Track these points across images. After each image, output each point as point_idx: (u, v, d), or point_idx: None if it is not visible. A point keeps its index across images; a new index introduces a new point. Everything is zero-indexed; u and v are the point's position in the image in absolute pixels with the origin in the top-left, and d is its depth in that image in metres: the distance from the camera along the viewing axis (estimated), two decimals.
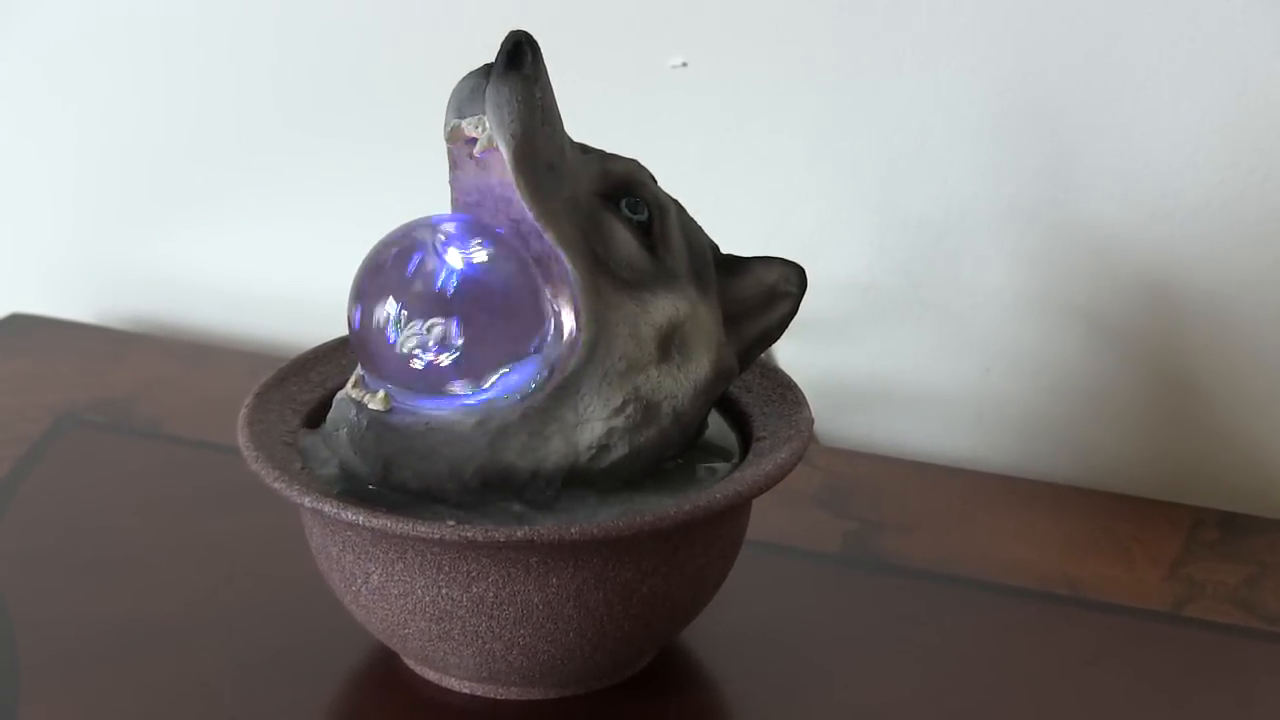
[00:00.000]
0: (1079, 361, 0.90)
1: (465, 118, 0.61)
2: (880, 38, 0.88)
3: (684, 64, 0.93)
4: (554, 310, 0.62)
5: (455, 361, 0.61)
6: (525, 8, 0.94)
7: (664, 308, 0.63)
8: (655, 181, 0.66)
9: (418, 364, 0.61)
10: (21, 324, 1.08)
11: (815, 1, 0.89)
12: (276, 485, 0.61)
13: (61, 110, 1.12)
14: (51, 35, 1.09)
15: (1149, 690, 0.69)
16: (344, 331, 0.66)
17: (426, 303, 0.61)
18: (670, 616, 0.64)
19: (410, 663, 0.67)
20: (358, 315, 0.63)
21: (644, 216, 0.64)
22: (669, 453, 0.64)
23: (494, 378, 0.61)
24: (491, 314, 0.61)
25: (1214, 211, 0.85)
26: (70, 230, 1.14)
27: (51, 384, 0.97)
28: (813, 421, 0.67)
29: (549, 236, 0.61)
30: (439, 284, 0.61)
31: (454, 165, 0.63)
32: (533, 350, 0.62)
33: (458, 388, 0.61)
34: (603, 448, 0.62)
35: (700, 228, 0.67)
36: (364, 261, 0.63)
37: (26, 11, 1.09)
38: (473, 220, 0.63)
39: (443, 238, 0.62)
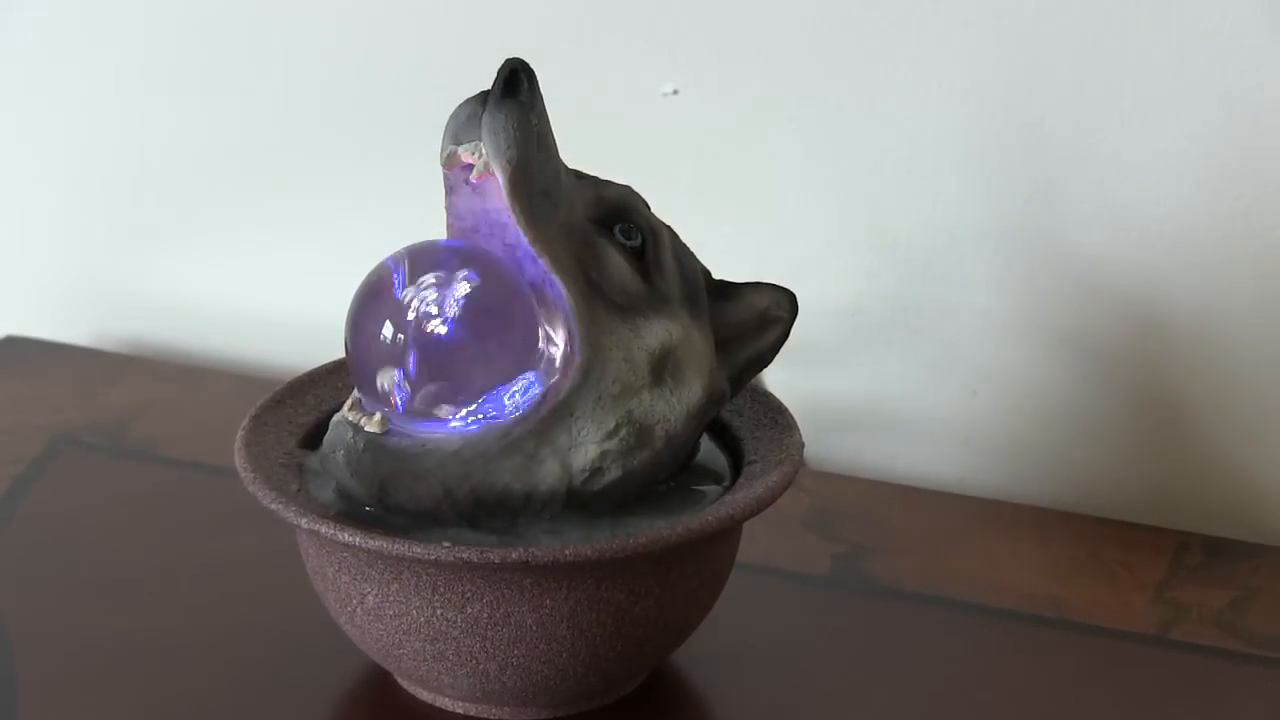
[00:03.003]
0: (1066, 386, 0.90)
1: (462, 144, 0.62)
2: (869, 65, 0.89)
3: (675, 91, 0.93)
4: (548, 334, 0.63)
5: (451, 385, 0.61)
6: (521, 35, 0.95)
7: (657, 332, 0.64)
8: (648, 207, 0.67)
9: (414, 388, 0.61)
10: (17, 346, 1.08)
11: (805, 30, 0.89)
12: (273, 506, 0.62)
13: (57, 133, 1.12)
14: (48, 59, 1.10)
15: (1134, 712, 0.69)
16: (340, 354, 0.66)
17: (421, 328, 0.61)
18: (662, 637, 0.65)
19: (404, 683, 0.68)
20: (354, 340, 0.63)
21: (637, 242, 0.65)
22: (661, 476, 0.65)
23: (489, 401, 0.62)
24: (486, 338, 0.62)
25: (1199, 238, 0.85)
26: (66, 253, 1.14)
27: (47, 405, 0.97)
28: (803, 446, 0.67)
29: (544, 261, 0.62)
30: (434, 309, 0.61)
31: (450, 190, 0.63)
32: (527, 374, 0.62)
33: (453, 411, 0.62)
34: (596, 470, 0.62)
35: (692, 253, 0.68)
36: (359, 287, 0.64)
37: (23, 34, 1.10)
38: (467, 245, 0.63)
39: (436, 263, 0.63)
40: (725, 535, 0.64)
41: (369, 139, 1.03)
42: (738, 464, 0.68)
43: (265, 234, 1.08)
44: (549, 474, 0.62)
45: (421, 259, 0.63)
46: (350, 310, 0.64)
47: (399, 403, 0.62)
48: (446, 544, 0.59)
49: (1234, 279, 0.85)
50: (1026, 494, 0.91)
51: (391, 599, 0.61)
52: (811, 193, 0.92)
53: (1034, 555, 0.82)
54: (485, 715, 0.66)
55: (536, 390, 0.62)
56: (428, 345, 0.61)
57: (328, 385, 0.72)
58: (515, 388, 0.62)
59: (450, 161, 0.63)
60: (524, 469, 0.61)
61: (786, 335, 0.69)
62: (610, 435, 0.62)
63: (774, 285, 0.69)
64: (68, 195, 1.13)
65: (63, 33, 1.08)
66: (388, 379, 0.62)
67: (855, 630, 0.75)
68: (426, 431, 0.62)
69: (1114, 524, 0.86)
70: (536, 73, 0.62)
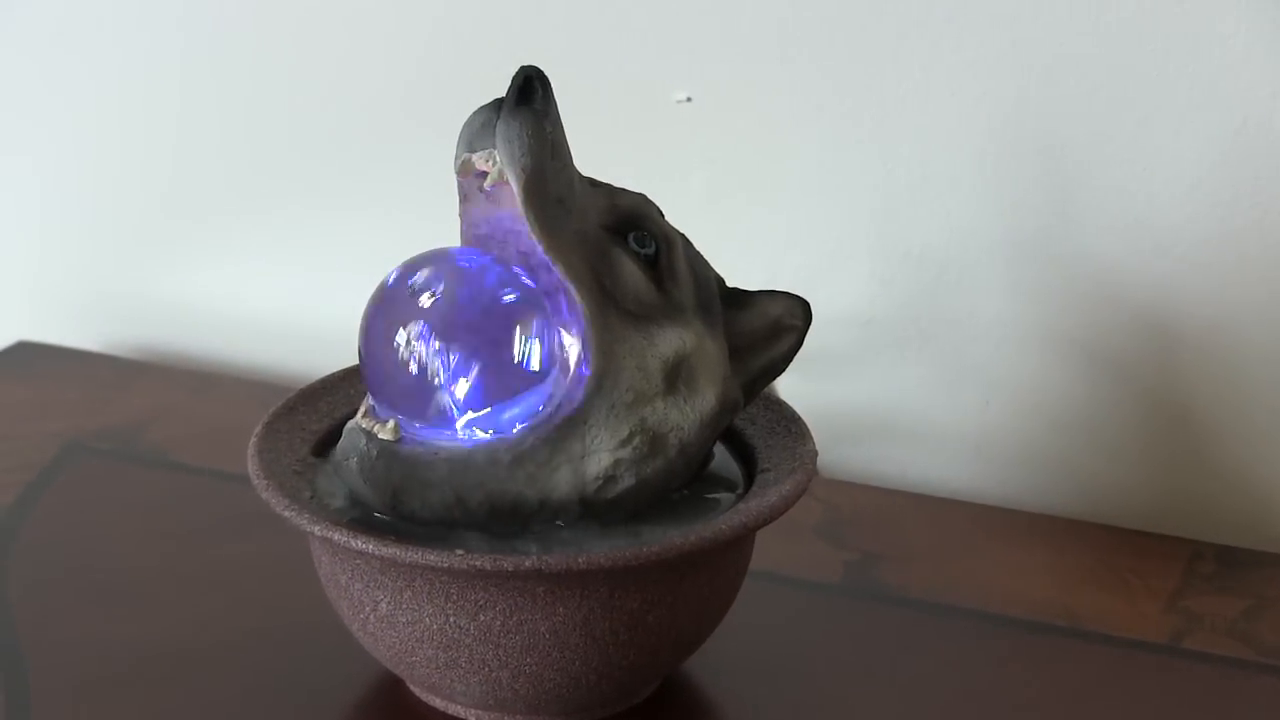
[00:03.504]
0: (1078, 394, 0.90)
1: (476, 151, 0.62)
2: (883, 74, 0.89)
3: (689, 99, 0.93)
4: (562, 342, 0.63)
5: (465, 393, 0.61)
6: (535, 43, 0.95)
7: (670, 340, 0.64)
8: (662, 215, 0.67)
9: (427, 395, 0.61)
10: (29, 352, 1.08)
11: (819, 37, 0.89)
12: (286, 514, 0.62)
13: (69, 138, 1.12)
14: (59, 65, 1.10)
15: None
16: (352, 361, 0.66)
17: (436, 335, 0.61)
18: (675, 645, 0.65)
19: (417, 690, 0.68)
20: (367, 347, 0.63)
21: (651, 250, 0.65)
22: (675, 484, 0.65)
23: (503, 409, 0.62)
24: (500, 346, 0.62)
25: (1213, 246, 0.85)
26: (78, 259, 1.14)
27: (59, 412, 0.98)
28: (816, 454, 0.67)
29: (558, 269, 0.62)
30: (448, 316, 0.61)
31: (464, 198, 0.64)
32: (541, 382, 0.62)
33: (467, 419, 0.62)
34: (609, 479, 0.62)
35: (706, 261, 0.68)
36: (373, 294, 0.64)
37: (31, 39, 1.10)
38: (481, 253, 0.63)
39: (450, 271, 0.63)
40: (738, 543, 0.64)
41: (383, 146, 1.03)
42: (751, 472, 0.68)
43: (278, 240, 1.08)
44: (562, 482, 0.62)
45: (435, 266, 0.63)
46: (364, 317, 0.64)
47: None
48: (460, 551, 0.59)
49: (1247, 288, 0.85)
50: (1039, 502, 0.91)
51: (404, 606, 0.61)
52: (825, 201, 0.92)
53: (1046, 564, 0.82)
54: None
55: (550, 398, 0.62)
56: (441, 352, 0.61)
57: (340, 392, 0.72)
58: (529, 396, 0.62)
59: (464, 169, 0.63)
60: (537, 477, 0.61)
61: (800, 343, 0.69)
62: (624, 443, 0.62)
63: (788, 293, 0.69)
64: (79, 201, 1.13)
65: (72, 36, 1.09)
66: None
67: (867, 638, 0.75)
68: (440, 439, 0.62)
69: (1126, 533, 0.86)
70: (551, 80, 0.62)
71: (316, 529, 0.60)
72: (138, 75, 1.08)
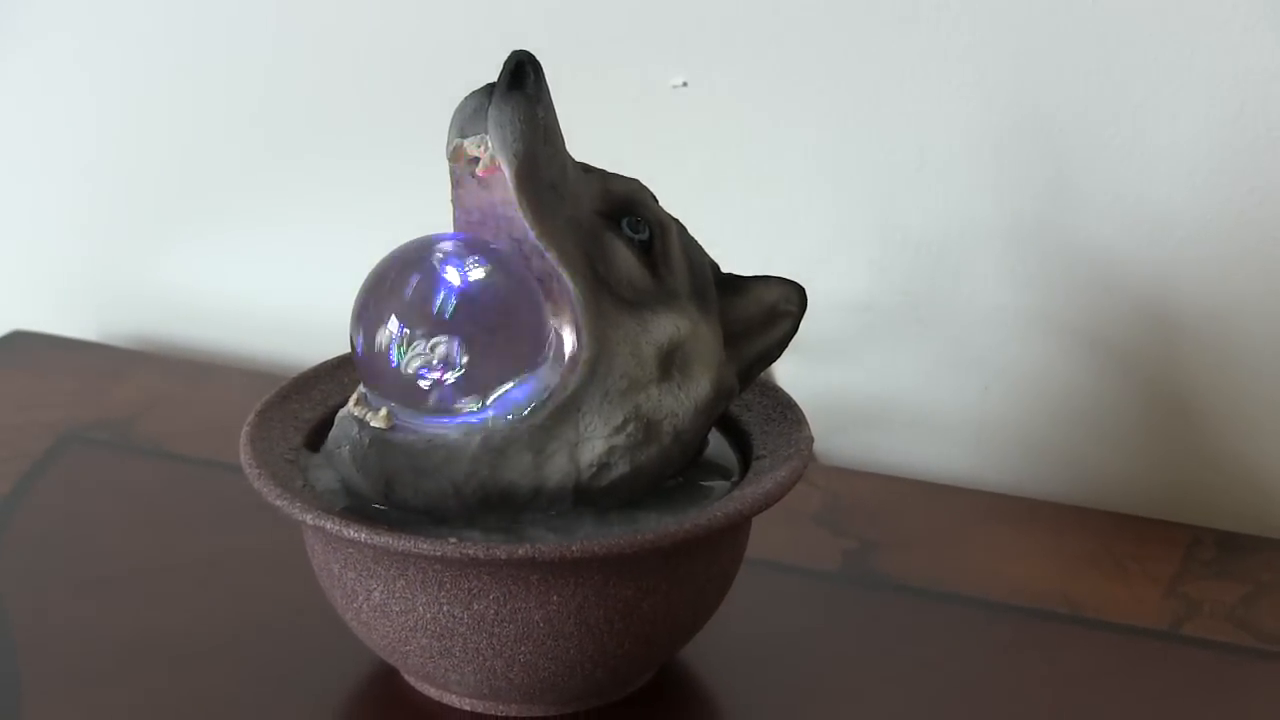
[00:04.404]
0: (1078, 381, 0.90)
1: (468, 137, 0.62)
2: (881, 58, 0.88)
3: (685, 84, 0.93)
4: (555, 329, 0.62)
5: (457, 380, 0.61)
6: (528, 28, 0.95)
7: (665, 326, 0.64)
8: (656, 201, 0.67)
9: (421, 383, 0.61)
10: (24, 341, 1.08)
11: (816, 23, 0.89)
12: (278, 503, 0.61)
13: (64, 128, 1.12)
14: (55, 55, 1.10)
15: (1146, 708, 0.69)
16: (346, 349, 0.66)
17: (428, 322, 0.61)
18: (671, 634, 0.64)
19: (411, 679, 0.68)
20: (360, 335, 0.63)
21: (645, 236, 0.65)
22: (669, 471, 0.65)
23: (496, 396, 0.61)
24: (493, 333, 0.61)
25: (1212, 232, 0.85)
26: (73, 248, 1.14)
27: (54, 401, 0.97)
28: (812, 440, 0.67)
29: (551, 255, 0.61)
30: (440, 303, 0.61)
31: (456, 184, 0.63)
32: (534, 369, 0.62)
33: (460, 406, 0.61)
34: (604, 466, 0.62)
35: (701, 247, 0.68)
36: (365, 281, 0.63)
37: (30, 31, 1.09)
38: (474, 239, 0.63)
39: (443, 257, 0.62)
40: (734, 531, 0.64)
41: (376, 133, 1.02)
42: (747, 459, 0.68)
43: (273, 229, 1.08)
44: (556, 469, 0.61)
45: (426, 253, 0.62)
46: (356, 304, 0.63)
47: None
48: (453, 540, 0.59)
49: (1246, 273, 0.85)
50: (1038, 489, 0.91)
51: (397, 595, 0.61)
52: (821, 186, 0.92)
53: (1046, 551, 0.82)
54: (492, 712, 0.66)
55: (543, 385, 0.62)
56: (434, 339, 0.61)
57: (333, 380, 0.72)
58: (522, 383, 0.62)
59: (456, 155, 0.62)
60: (531, 464, 0.61)
61: (795, 329, 0.69)
62: (618, 430, 0.62)
63: (783, 279, 0.69)
64: (75, 190, 1.13)
65: (72, 28, 1.08)
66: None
67: (865, 626, 0.74)
68: (433, 427, 0.61)
69: (1126, 519, 0.85)
70: (543, 65, 0.62)
71: (309, 518, 0.60)
72: (134, 64, 1.08)
